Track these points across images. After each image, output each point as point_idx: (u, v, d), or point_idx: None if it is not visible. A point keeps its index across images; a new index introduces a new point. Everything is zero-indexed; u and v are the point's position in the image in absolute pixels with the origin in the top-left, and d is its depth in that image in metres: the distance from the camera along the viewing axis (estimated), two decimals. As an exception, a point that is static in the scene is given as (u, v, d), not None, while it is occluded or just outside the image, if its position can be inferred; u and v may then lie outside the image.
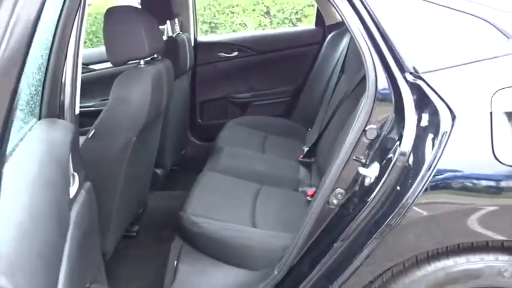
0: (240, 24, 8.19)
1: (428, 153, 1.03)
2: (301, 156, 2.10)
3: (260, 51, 2.85)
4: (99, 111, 2.51)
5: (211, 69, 2.81)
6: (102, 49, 1.87)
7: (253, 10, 8.21)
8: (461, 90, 1.08)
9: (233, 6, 8.30)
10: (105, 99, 2.56)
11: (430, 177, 1.03)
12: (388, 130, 1.12)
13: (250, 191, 1.74)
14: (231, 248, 1.45)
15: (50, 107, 1.02)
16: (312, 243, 1.21)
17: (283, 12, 7.85)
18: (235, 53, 2.84)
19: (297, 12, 7.23)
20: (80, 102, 2.50)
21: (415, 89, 1.08)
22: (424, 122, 1.07)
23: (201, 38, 2.87)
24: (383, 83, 1.11)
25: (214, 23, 8.28)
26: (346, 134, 1.20)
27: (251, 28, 7.52)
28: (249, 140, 2.30)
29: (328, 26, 2.78)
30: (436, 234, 1.10)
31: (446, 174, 1.04)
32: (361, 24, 1.11)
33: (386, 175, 1.07)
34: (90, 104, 2.64)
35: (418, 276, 1.14)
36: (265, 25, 8.01)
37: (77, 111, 1.12)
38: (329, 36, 2.51)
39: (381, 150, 1.12)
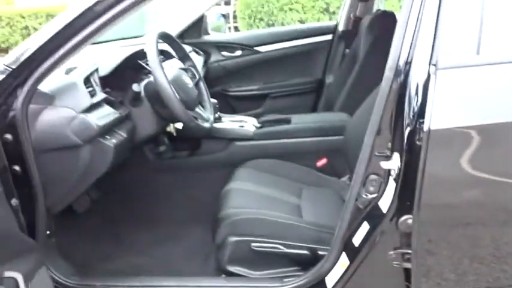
0: (298, 21, 8.22)
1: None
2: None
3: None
4: (262, 96, 2.77)
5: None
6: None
7: (313, 7, 8.21)
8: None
9: (292, 3, 8.37)
10: (266, 83, 2.80)
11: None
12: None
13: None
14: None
15: None
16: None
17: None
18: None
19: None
20: (242, 86, 2.75)
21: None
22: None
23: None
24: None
25: (271, 20, 8.42)
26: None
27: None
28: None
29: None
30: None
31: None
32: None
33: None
34: (254, 87, 2.80)
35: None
36: None
37: None
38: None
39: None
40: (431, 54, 1.06)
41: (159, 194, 2.08)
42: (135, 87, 1.54)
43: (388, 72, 1.10)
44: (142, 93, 1.58)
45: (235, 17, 8.95)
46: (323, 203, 1.65)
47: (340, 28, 2.81)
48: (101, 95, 1.43)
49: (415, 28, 1.08)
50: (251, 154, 1.99)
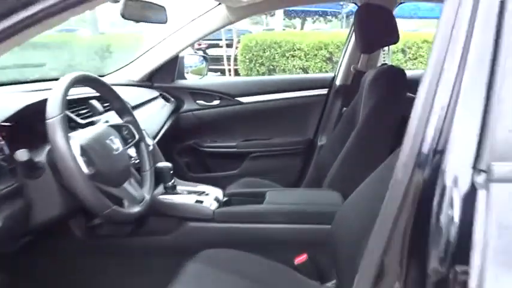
0: (300, 68, 8.08)
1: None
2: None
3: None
4: (241, 155, 2.37)
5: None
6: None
7: (315, 55, 8.07)
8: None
9: (295, 50, 8.20)
10: (247, 140, 2.39)
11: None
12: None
13: None
14: None
15: None
16: None
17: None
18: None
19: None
20: (218, 141, 2.40)
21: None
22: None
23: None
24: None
25: (272, 65, 8.25)
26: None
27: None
28: None
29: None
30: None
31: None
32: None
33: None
34: (232, 144, 2.41)
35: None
36: (327, 71, 7.81)
37: None
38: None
39: None
40: (478, 151, 0.60)
41: (86, 284, 1.58)
42: (23, 154, 1.05)
43: (404, 167, 0.66)
44: (43, 160, 1.11)
45: (236, 59, 8.77)
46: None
47: (338, 82, 2.39)
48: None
49: (450, 101, 0.63)
50: (208, 240, 1.53)
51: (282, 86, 2.44)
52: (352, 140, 1.74)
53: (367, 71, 2.07)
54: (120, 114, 1.37)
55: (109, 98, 1.35)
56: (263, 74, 8.15)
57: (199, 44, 9.63)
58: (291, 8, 12.06)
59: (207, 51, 8.91)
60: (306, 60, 8.22)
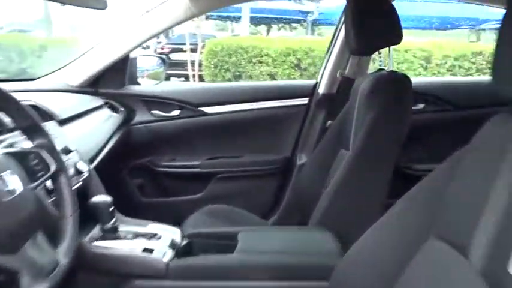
0: (268, 75, 7.82)
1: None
2: None
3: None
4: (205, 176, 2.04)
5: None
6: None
7: (283, 61, 7.82)
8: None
9: (262, 56, 7.96)
10: (213, 158, 2.06)
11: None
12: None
13: None
14: None
15: None
16: None
17: (314, 66, 7.24)
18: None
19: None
20: (178, 159, 2.08)
21: None
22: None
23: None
24: None
25: (239, 71, 7.98)
26: None
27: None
28: None
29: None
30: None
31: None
32: None
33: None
34: (195, 163, 2.06)
35: None
36: (295, 78, 7.66)
37: None
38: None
39: None
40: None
41: None
42: None
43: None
44: None
45: (200, 64, 8.45)
46: None
47: (321, 90, 2.07)
48: None
49: None
50: None
51: (254, 94, 2.09)
52: (347, 165, 1.40)
53: (356, 77, 1.75)
54: (29, 135, 0.95)
55: (10, 111, 0.93)
56: (229, 80, 7.88)
57: (162, 48, 9.31)
58: (256, 15, 11.91)
59: (170, 55, 8.58)
60: (274, 67, 8.01)
